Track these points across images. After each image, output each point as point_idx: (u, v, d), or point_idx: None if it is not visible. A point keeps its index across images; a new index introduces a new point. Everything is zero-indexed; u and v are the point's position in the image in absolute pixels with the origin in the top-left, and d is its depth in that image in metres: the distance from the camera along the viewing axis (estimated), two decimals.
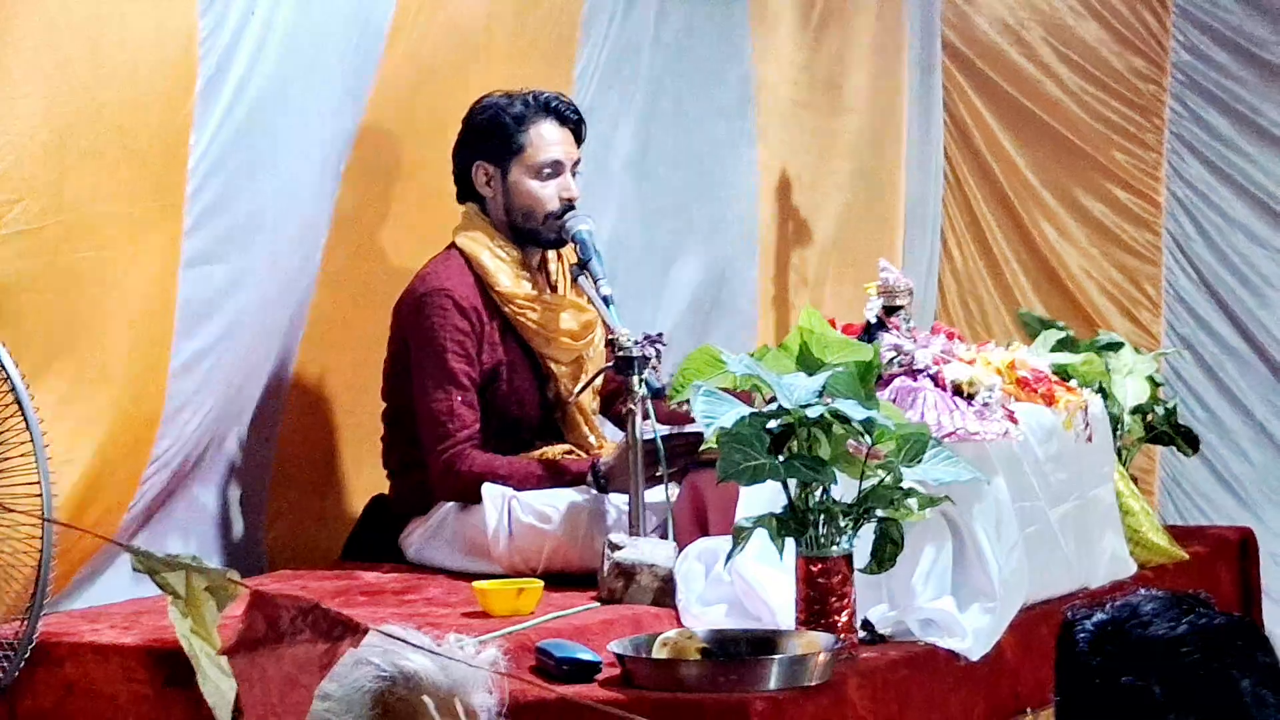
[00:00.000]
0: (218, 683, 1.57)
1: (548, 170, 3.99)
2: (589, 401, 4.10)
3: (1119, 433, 4.13)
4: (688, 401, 3.32)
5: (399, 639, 2.20)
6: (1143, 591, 1.98)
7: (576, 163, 4.04)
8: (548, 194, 3.99)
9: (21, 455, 2.91)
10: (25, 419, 2.86)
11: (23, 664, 3.08)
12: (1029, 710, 3.47)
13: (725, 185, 5.06)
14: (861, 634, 3.28)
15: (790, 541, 3.20)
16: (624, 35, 4.68)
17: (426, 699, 2.25)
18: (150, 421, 3.58)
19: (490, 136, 4.00)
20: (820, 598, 3.20)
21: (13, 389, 2.89)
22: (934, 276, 5.88)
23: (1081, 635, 1.95)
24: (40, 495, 2.88)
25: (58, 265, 3.32)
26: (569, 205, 3.99)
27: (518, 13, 4.41)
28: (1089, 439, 3.84)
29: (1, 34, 3.19)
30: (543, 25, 4.47)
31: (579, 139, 4.05)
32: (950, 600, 3.37)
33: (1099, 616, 1.95)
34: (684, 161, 4.88)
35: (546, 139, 3.99)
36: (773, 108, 5.18)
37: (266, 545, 4.01)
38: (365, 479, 4.15)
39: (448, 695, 2.28)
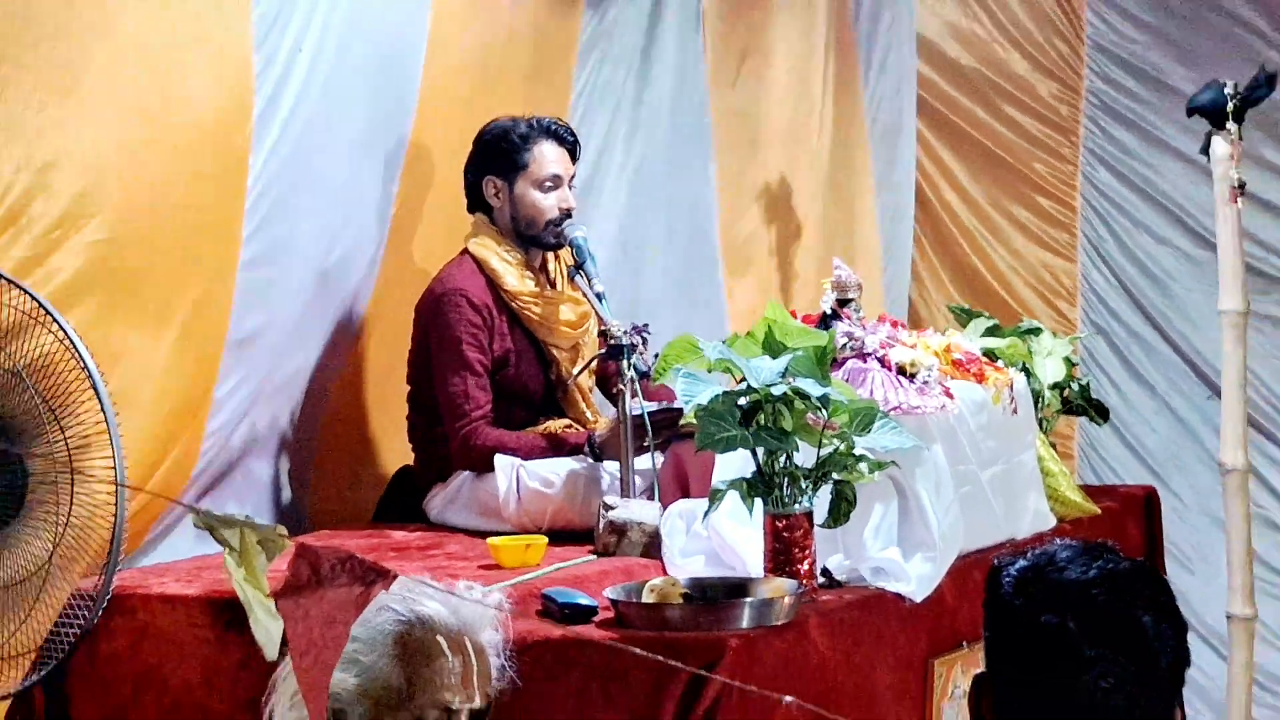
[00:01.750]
0: (266, 624, 1.58)
1: (549, 184, 3.99)
2: (586, 382, 4.10)
3: (1040, 406, 4.12)
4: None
5: (417, 585, 2.20)
6: (1059, 541, 1.98)
7: (572, 177, 4.05)
8: (549, 204, 3.99)
9: (97, 432, 2.91)
10: (99, 399, 2.86)
11: (101, 613, 3.08)
12: (964, 644, 3.46)
13: (688, 197, 5.05)
14: (820, 580, 3.28)
15: (758, 501, 3.20)
16: (609, 66, 4.67)
17: (440, 638, 2.25)
18: (204, 403, 3.58)
19: (499, 155, 4.00)
20: (785, 549, 3.20)
21: (88, 374, 2.88)
22: (907, 274, 5.88)
23: (1006, 580, 1.94)
24: (114, 467, 2.88)
25: (127, 267, 3.31)
26: (567, 214, 4.00)
27: (531, 43, 4.41)
28: (1014, 411, 3.83)
29: (82, 71, 3.18)
30: (548, 55, 4.47)
31: (574, 157, 4.06)
32: (896, 550, 3.37)
33: (1021, 563, 1.94)
34: (655, 178, 4.85)
35: (547, 157, 4.00)
36: (728, 131, 5.16)
37: (309, 510, 4.00)
38: (393, 453, 4.14)
39: (458, 634, 2.27)
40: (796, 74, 5.36)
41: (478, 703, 2.28)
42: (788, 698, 1.50)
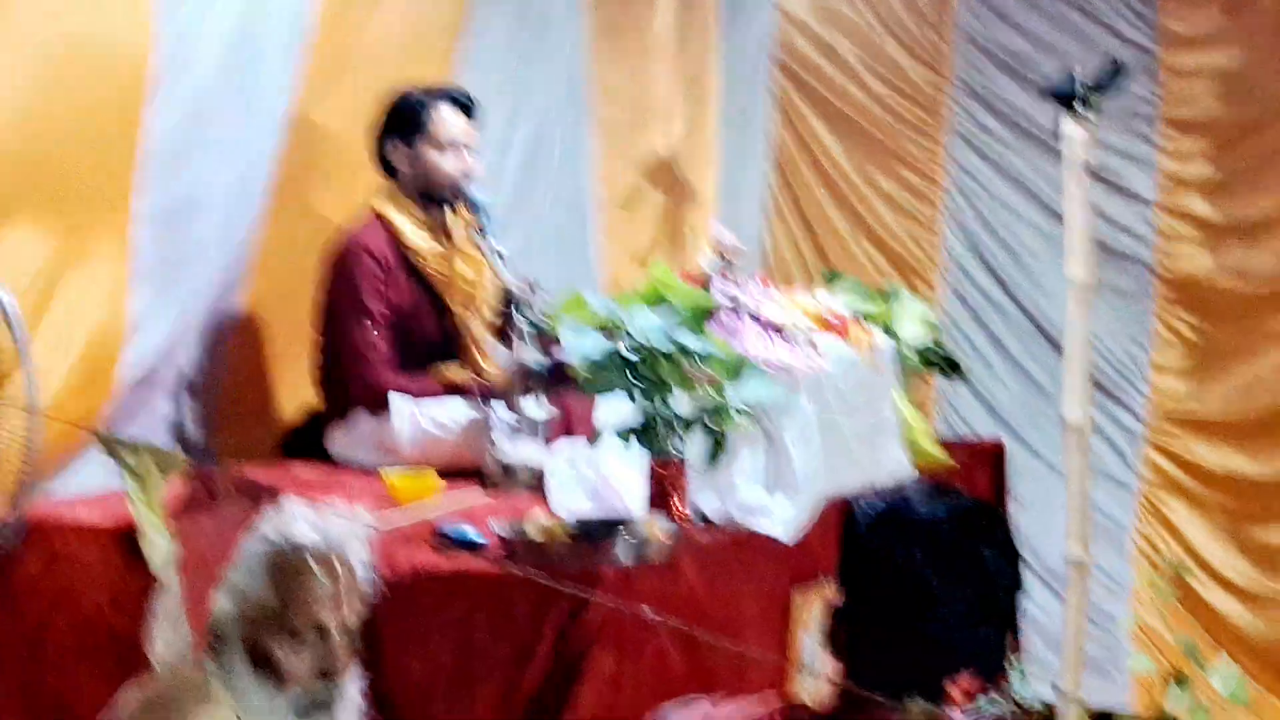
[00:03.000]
0: (155, 540, 1.55)
1: (449, 145, 3.96)
2: (480, 333, 4.07)
3: (901, 362, 4.15)
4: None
5: (287, 509, 2.18)
6: (910, 484, 2.00)
7: (472, 140, 4.02)
8: (450, 165, 3.97)
9: (12, 364, 2.85)
10: (11, 327, 2.80)
11: (16, 539, 3.02)
12: (821, 576, 3.46)
13: (564, 167, 5.04)
14: (694, 519, 3.29)
15: (637, 444, 3.20)
16: (485, 38, 4.64)
17: (309, 559, 2.23)
18: (114, 344, 3.53)
19: (400, 119, 3.97)
20: (662, 491, 3.21)
21: (4, 314, 2.82)
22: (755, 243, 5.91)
23: (862, 519, 1.96)
24: (26, 395, 2.82)
25: (27, 218, 3.26)
26: (466, 173, 3.97)
27: (414, 16, 4.36)
28: (877, 366, 3.86)
29: None
30: (429, 30, 4.43)
31: (473, 120, 4.02)
32: (764, 492, 3.39)
33: (875, 503, 1.96)
34: (535, 149, 4.83)
35: (446, 120, 3.98)
36: (607, 106, 5.15)
37: (212, 447, 3.96)
38: (292, 394, 4.10)
39: (327, 554, 2.26)
40: (663, 48, 5.37)
41: (350, 619, 2.27)
42: (647, 609, 1.49)
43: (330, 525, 2.27)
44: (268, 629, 2.23)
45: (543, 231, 4.83)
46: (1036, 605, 5.38)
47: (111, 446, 1.52)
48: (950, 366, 4.42)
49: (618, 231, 5.22)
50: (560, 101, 4.98)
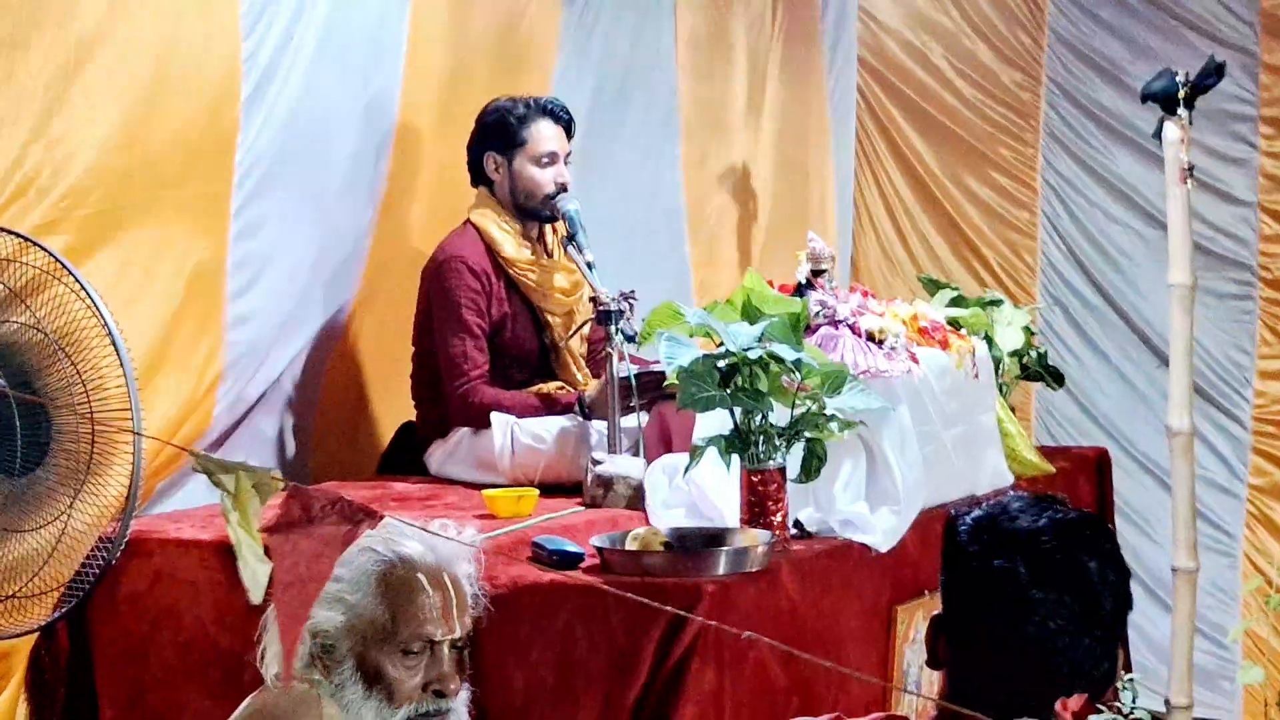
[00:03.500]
0: (254, 567, 1.56)
1: (545, 159, 3.97)
2: (578, 346, 4.08)
3: (1000, 371, 4.10)
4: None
5: (396, 526, 2.19)
6: (1011, 493, 1.98)
7: (568, 154, 4.03)
8: (545, 179, 3.97)
9: (116, 386, 2.89)
10: (119, 355, 2.84)
11: (119, 555, 3.06)
12: (925, 592, 3.45)
13: (655, 178, 5.04)
14: (793, 531, 3.27)
15: (735, 457, 3.18)
16: (585, 55, 4.65)
17: (420, 575, 2.24)
18: (213, 365, 3.58)
19: (499, 132, 3.98)
20: (760, 502, 3.19)
21: (108, 330, 2.86)
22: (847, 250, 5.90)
23: (962, 528, 1.94)
24: (131, 418, 2.86)
25: (129, 238, 3.32)
26: (562, 188, 3.98)
27: (511, 31, 4.39)
28: (976, 376, 3.82)
29: (84, 60, 3.19)
30: (527, 40, 4.45)
31: (569, 135, 4.04)
32: (864, 504, 3.36)
33: (976, 513, 1.94)
34: (624, 158, 4.83)
35: (544, 134, 3.98)
36: (695, 117, 5.15)
37: (312, 466, 3.99)
38: (393, 410, 4.13)
39: (437, 570, 2.27)
40: (750, 63, 5.37)
41: (457, 633, 2.28)
42: (747, 633, 1.48)
43: (439, 541, 2.28)
44: (378, 644, 2.24)
45: (637, 243, 4.84)
46: (1144, 616, 5.31)
47: (207, 466, 1.53)
48: (1054, 377, 4.38)
49: (703, 241, 5.22)
50: (651, 113, 4.98)
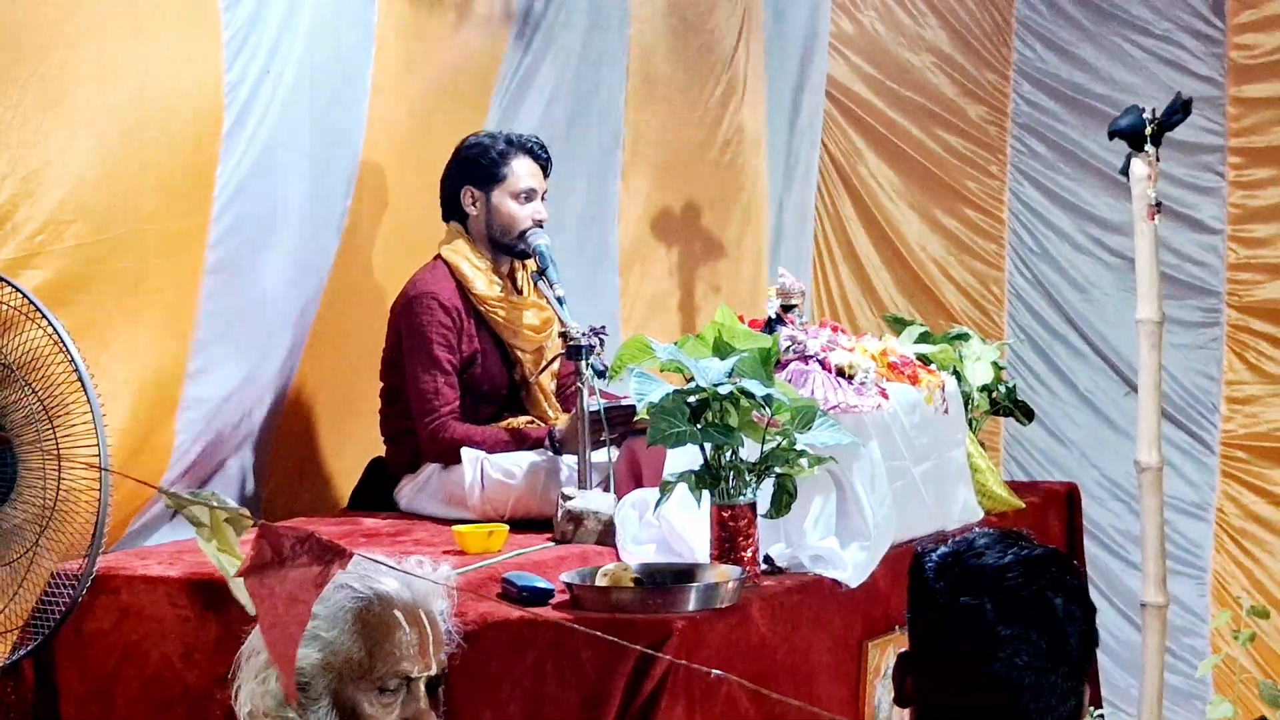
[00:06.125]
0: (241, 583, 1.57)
1: (524, 195, 4.00)
2: (548, 382, 4.09)
3: (969, 406, 4.12)
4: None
5: (371, 564, 2.19)
6: (977, 530, 1.99)
7: (545, 191, 4.05)
8: (523, 214, 4.00)
9: (83, 423, 2.89)
10: (85, 391, 2.84)
11: (85, 592, 3.06)
12: (896, 628, 3.46)
13: (602, 215, 5.06)
14: (763, 567, 3.27)
15: (706, 493, 3.19)
16: (523, 88, 4.67)
17: (397, 612, 2.25)
18: (173, 399, 3.58)
19: (478, 167, 4.00)
20: (730, 538, 3.20)
21: (75, 367, 2.87)
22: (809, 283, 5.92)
23: (929, 565, 1.94)
24: (98, 454, 2.86)
25: (106, 271, 3.31)
26: (539, 224, 4.00)
27: (460, 66, 4.41)
28: (945, 411, 3.84)
29: (64, 91, 3.18)
30: (468, 76, 4.48)
31: (546, 173, 4.07)
32: (834, 540, 3.37)
33: (942, 550, 1.94)
34: (570, 192, 4.85)
35: (523, 171, 4.01)
36: (641, 150, 5.17)
37: (270, 499, 3.99)
38: (354, 444, 4.13)
39: (413, 607, 2.27)
40: (699, 98, 5.40)
41: (433, 670, 2.28)
42: (715, 671, 1.49)
43: (415, 578, 2.28)
44: (354, 681, 2.24)
45: (572, 278, 4.87)
46: (1120, 639, 5.35)
47: (178, 501, 1.54)
48: (1023, 412, 4.40)
49: (635, 279, 5.23)
50: (594, 148, 4.99)
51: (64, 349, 2.84)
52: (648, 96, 5.16)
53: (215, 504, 1.48)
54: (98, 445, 2.84)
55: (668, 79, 5.25)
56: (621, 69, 5.04)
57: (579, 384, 3.71)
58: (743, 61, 5.55)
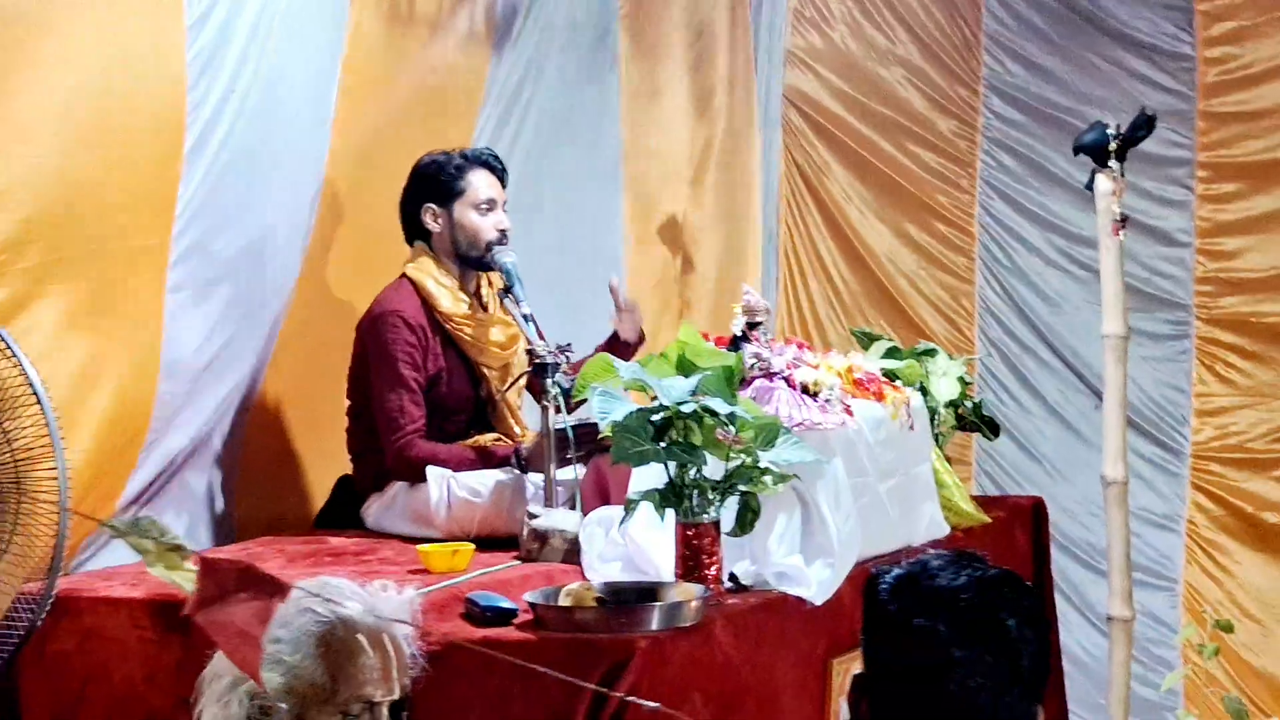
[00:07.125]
0: None
1: (484, 206, 4.01)
2: (514, 399, 4.10)
3: (935, 422, 4.12)
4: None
5: (335, 587, 2.20)
6: (931, 551, 2.00)
7: (505, 201, 4.06)
8: (486, 225, 4.01)
9: (42, 447, 2.88)
10: (45, 417, 2.84)
11: (46, 615, 3.05)
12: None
13: (595, 229, 5.06)
14: (728, 584, 3.27)
15: (670, 511, 3.20)
16: (513, 104, 4.68)
17: (360, 636, 2.25)
18: (143, 419, 3.57)
19: (436, 184, 4.01)
20: (694, 555, 3.20)
21: (34, 391, 2.86)
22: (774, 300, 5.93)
23: (883, 587, 1.94)
24: (57, 479, 2.86)
25: (66, 290, 3.30)
26: (503, 235, 4.01)
27: (437, 87, 4.41)
28: (911, 427, 3.83)
29: (25, 106, 3.16)
30: (454, 93, 4.48)
31: (503, 183, 4.08)
32: (799, 557, 3.36)
33: (896, 571, 1.94)
34: (562, 207, 4.86)
35: (482, 183, 4.02)
36: (637, 165, 5.18)
37: (240, 518, 3.98)
38: (326, 465, 4.12)
39: (377, 631, 2.27)
40: (694, 113, 5.41)
41: (396, 694, 2.29)
42: (653, 704, 1.49)
43: (379, 601, 2.28)
44: (318, 706, 2.24)
45: (573, 292, 4.87)
46: (1091, 650, 5.37)
47: (121, 531, 1.55)
48: (989, 427, 4.41)
49: (643, 293, 5.25)
50: (592, 163, 5.00)
51: (21, 370, 2.83)
52: (638, 109, 5.17)
53: (154, 534, 1.48)
54: (57, 470, 2.83)
55: (657, 92, 5.25)
56: (610, 83, 5.06)
57: (544, 402, 3.72)
58: (733, 73, 5.55)
